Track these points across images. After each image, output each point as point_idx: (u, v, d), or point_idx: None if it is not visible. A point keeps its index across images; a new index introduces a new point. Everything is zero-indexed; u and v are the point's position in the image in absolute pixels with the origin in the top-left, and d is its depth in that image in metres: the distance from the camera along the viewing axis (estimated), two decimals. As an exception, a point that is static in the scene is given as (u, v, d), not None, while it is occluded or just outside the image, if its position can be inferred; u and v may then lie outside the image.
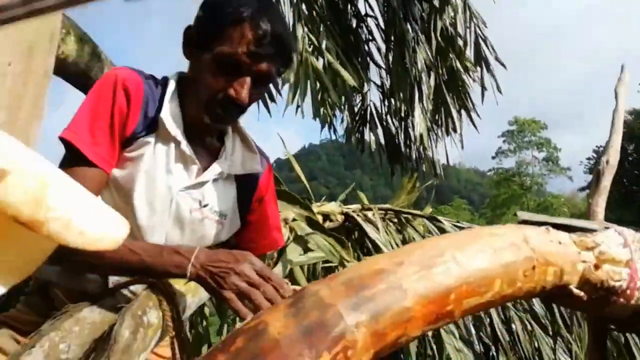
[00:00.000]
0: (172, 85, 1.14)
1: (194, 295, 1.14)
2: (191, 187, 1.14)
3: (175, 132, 1.11)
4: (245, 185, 1.23)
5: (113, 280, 1.12)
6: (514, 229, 0.78)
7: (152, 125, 1.11)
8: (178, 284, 1.09)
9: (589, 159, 26.34)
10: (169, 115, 1.11)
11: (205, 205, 1.16)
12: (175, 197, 1.12)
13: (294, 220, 1.76)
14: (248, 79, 1.09)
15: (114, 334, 0.94)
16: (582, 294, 0.80)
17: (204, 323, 2.63)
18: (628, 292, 0.83)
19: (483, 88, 4.24)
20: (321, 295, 0.66)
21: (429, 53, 3.89)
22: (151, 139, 1.11)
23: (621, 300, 0.82)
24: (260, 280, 0.97)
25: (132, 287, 1.11)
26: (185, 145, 1.12)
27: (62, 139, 1.05)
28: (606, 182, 1.02)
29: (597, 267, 0.80)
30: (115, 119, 1.07)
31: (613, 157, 1.09)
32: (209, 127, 1.15)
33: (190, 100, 1.14)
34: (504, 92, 4.38)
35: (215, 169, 1.17)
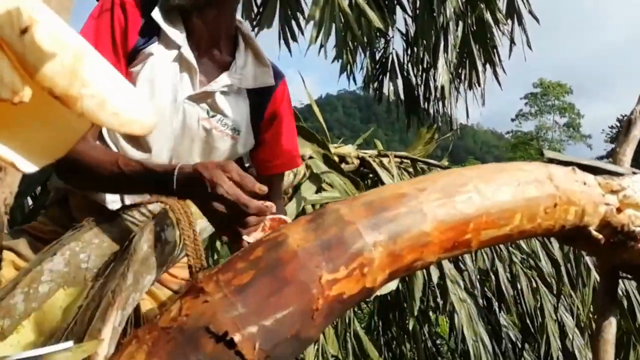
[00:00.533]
0: None
1: (210, 219, 1.16)
2: (198, 96, 1.13)
3: (172, 32, 1.10)
4: (259, 100, 1.21)
5: (130, 198, 1.14)
6: (540, 166, 0.77)
7: (155, 32, 1.10)
8: (194, 206, 1.10)
9: (611, 127, 25.68)
10: (160, 14, 1.09)
11: (213, 116, 1.15)
12: (183, 106, 1.12)
13: (310, 157, 1.76)
14: None
15: (132, 246, 0.96)
16: (600, 236, 0.80)
17: (215, 257, 2.69)
18: (647, 239, 0.82)
19: (512, 42, 4.09)
20: (341, 213, 0.66)
21: (459, 0, 3.74)
22: (154, 50, 1.10)
23: (639, 246, 0.82)
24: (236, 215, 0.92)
25: (149, 207, 1.13)
26: (185, 48, 1.11)
27: None
28: (636, 131, 0.99)
29: (619, 210, 0.79)
30: (116, 35, 1.08)
31: (646, 108, 1.05)
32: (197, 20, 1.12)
33: None
34: (531, 55, 4.23)
35: (224, 79, 1.15)
